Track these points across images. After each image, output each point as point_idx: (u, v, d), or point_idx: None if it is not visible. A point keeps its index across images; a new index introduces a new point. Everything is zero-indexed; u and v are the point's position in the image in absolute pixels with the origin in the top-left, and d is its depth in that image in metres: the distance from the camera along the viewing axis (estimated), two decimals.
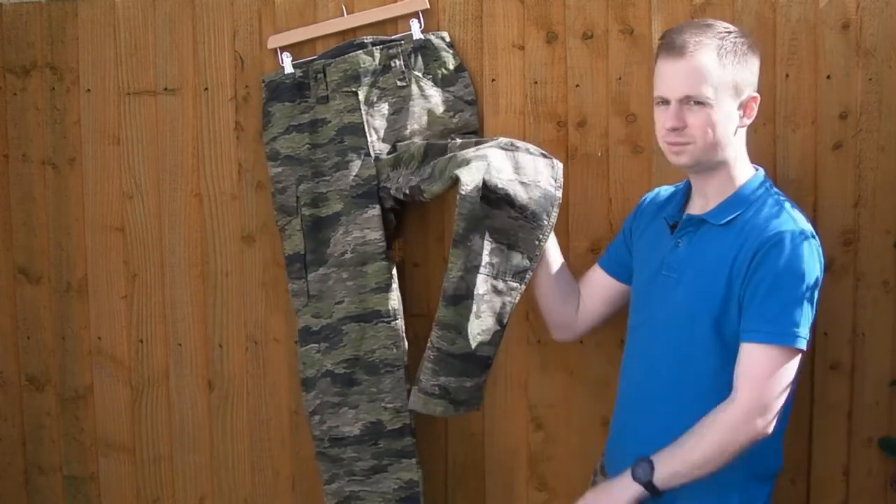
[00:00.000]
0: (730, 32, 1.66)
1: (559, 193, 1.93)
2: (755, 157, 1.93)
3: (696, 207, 1.75)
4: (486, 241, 1.89)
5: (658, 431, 1.71)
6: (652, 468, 1.64)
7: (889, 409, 2.04)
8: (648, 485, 1.65)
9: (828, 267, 2.02)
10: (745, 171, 1.72)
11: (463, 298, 1.89)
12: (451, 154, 1.97)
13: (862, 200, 2.00)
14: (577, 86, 2.09)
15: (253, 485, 2.33)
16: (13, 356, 2.43)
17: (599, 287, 1.97)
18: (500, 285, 1.92)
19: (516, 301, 1.94)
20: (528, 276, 1.92)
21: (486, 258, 1.90)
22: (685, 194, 1.80)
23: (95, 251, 2.34)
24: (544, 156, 1.96)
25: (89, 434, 2.41)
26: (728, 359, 1.64)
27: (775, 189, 1.73)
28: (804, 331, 1.61)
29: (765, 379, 1.60)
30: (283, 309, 2.25)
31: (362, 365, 2.11)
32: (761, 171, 1.74)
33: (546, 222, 1.91)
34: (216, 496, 2.35)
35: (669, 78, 1.66)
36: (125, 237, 2.32)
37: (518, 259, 1.91)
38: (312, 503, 2.29)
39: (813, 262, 1.63)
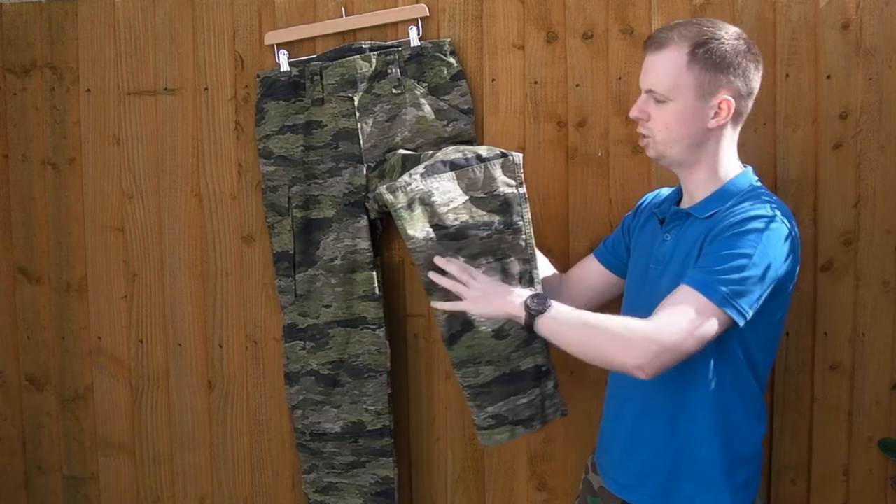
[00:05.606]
0: (715, 38, 1.63)
1: (522, 190, 1.92)
2: (755, 157, 1.93)
3: (685, 203, 1.76)
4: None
5: (645, 420, 1.72)
6: (546, 308, 1.65)
7: (889, 410, 2.04)
8: (533, 317, 1.66)
9: (828, 267, 2.03)
10: (730, 169, 1.70)
11: (461, 333, 1.92)
12: (400, 155, 2.03)
13: (862, 200, 2.00)
14: (577, 86, 2.09)
15: (253, 485, 2.33)
16: (13, 356, 2.43)
17: (590, 273, 1.98)
18: None
19: None
20: (534, 275, 1.91)
21: None
22: (678, 193, 1.81)
23: (95, 251, 2.34)
24: (501, 154, 1.93)
25: (89, 434, 2.41)
26: (714, 344, 1.62)
27: (764, 188, 1.72)
28: (741, 302, 1.55)
29: (679, 316, 1.54)
30: None
31: (346, 368, 2.14)
32: (749, 169, 1.73)
33: (521, 222, 1.91)
34: (216, 496, 2.36)
35: (642, 70, 1.71)
36: (125, 237, 2.32)
37: (517, 267, 1.91)
38: None
39: (777, 247, 1.59)
